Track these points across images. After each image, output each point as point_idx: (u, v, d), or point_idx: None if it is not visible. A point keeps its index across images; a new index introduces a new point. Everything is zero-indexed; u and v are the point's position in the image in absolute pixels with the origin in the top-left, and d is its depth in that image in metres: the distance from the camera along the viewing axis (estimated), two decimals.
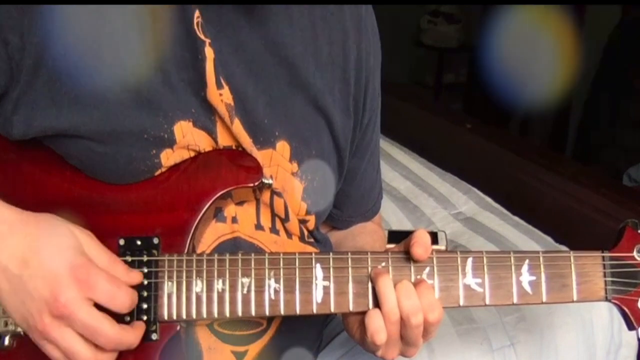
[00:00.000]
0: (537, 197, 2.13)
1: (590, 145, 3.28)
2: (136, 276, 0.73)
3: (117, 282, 0.70)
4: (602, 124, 3.21)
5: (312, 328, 0.93)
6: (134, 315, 0.74)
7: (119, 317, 0.73)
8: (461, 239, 1.65)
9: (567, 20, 2.88)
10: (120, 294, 0.70)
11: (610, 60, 3.15)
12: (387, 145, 2.25)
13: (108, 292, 0.69)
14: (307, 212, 0.87)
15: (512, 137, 3.18)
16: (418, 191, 1.99)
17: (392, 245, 0.80)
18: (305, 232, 0.88)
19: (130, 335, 0.71)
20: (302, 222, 0.87)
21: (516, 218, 1.87)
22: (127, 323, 0.73)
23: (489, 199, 1.98)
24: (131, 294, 0.71)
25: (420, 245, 0.75)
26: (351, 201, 0.99)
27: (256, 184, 0.78)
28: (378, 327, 0.73)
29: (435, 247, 1.06)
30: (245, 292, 0.75)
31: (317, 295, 0.75)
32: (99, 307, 0.69)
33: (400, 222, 1.80)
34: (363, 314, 0.75)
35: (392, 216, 1.80)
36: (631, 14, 3.04)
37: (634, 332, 1.56)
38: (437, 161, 2.20)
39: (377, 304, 0.75)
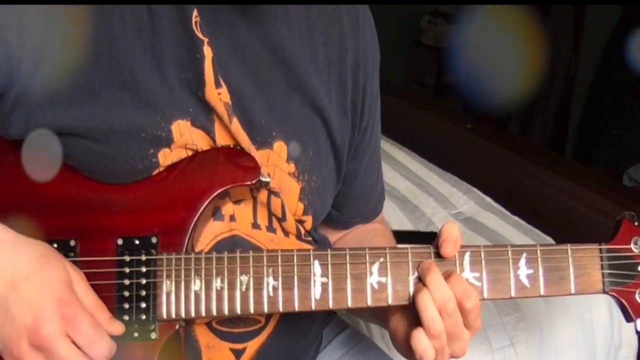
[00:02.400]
0: (537, 197, 2.12)
1: (590, 145, 3.28)
2: (118, 327, 0.72)
3: (100, 329, 0.69)
4: (602, 124, 3.21)
5: (312, 325, 0.93)
6: (132, 314, 0.74)
7: (118, 316, 0.73)
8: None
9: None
10: (101, 342, 0.69)
11: (611, 60, 3.15)
12: (387, 145, 2.25)
13: (89, 337, 0.68)
14: (305, 213, 0.86)
15: (512, 137, 3.17)
16: (418, 191, 1.99)
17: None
18: (302, 231, 0.88)
19: None
20: (300, 222, 0.87)
21: (516, 218, 1.87)
22: (126, 322, 0.73)
23: (489, 199, 1.98)
24: (110, 344, 0.70)
25: (450, 242, 0.76)
26: (351, 203, 0.99)
27: (253, 182, 0.78)
28: (425, 347, 0.73)
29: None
30: (243, 289, 0.75)
31: (316, 291, 0.75)
32: None
33: (400, 222, 1.80)
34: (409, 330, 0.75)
35: (392, 216, 1.80)
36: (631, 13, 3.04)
37: (633, 332, 1.57)
38: (437, 161, 2.20)
39: (376, 298, 0.75)
